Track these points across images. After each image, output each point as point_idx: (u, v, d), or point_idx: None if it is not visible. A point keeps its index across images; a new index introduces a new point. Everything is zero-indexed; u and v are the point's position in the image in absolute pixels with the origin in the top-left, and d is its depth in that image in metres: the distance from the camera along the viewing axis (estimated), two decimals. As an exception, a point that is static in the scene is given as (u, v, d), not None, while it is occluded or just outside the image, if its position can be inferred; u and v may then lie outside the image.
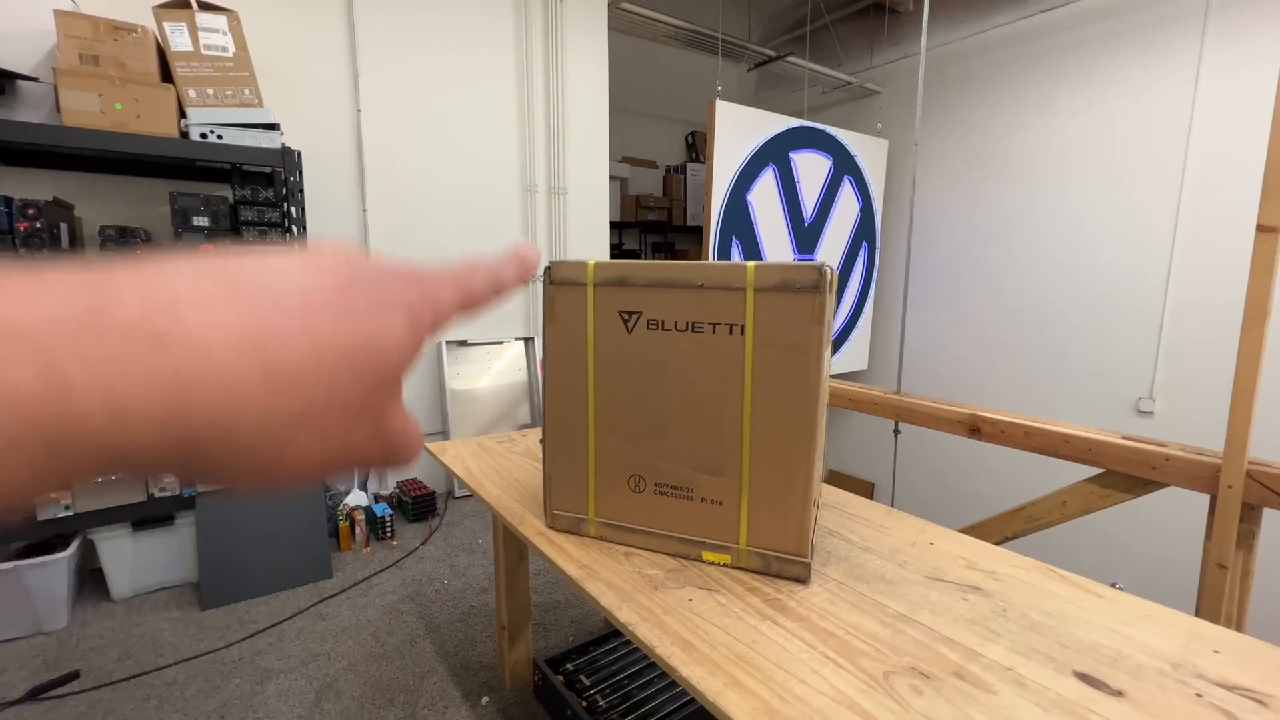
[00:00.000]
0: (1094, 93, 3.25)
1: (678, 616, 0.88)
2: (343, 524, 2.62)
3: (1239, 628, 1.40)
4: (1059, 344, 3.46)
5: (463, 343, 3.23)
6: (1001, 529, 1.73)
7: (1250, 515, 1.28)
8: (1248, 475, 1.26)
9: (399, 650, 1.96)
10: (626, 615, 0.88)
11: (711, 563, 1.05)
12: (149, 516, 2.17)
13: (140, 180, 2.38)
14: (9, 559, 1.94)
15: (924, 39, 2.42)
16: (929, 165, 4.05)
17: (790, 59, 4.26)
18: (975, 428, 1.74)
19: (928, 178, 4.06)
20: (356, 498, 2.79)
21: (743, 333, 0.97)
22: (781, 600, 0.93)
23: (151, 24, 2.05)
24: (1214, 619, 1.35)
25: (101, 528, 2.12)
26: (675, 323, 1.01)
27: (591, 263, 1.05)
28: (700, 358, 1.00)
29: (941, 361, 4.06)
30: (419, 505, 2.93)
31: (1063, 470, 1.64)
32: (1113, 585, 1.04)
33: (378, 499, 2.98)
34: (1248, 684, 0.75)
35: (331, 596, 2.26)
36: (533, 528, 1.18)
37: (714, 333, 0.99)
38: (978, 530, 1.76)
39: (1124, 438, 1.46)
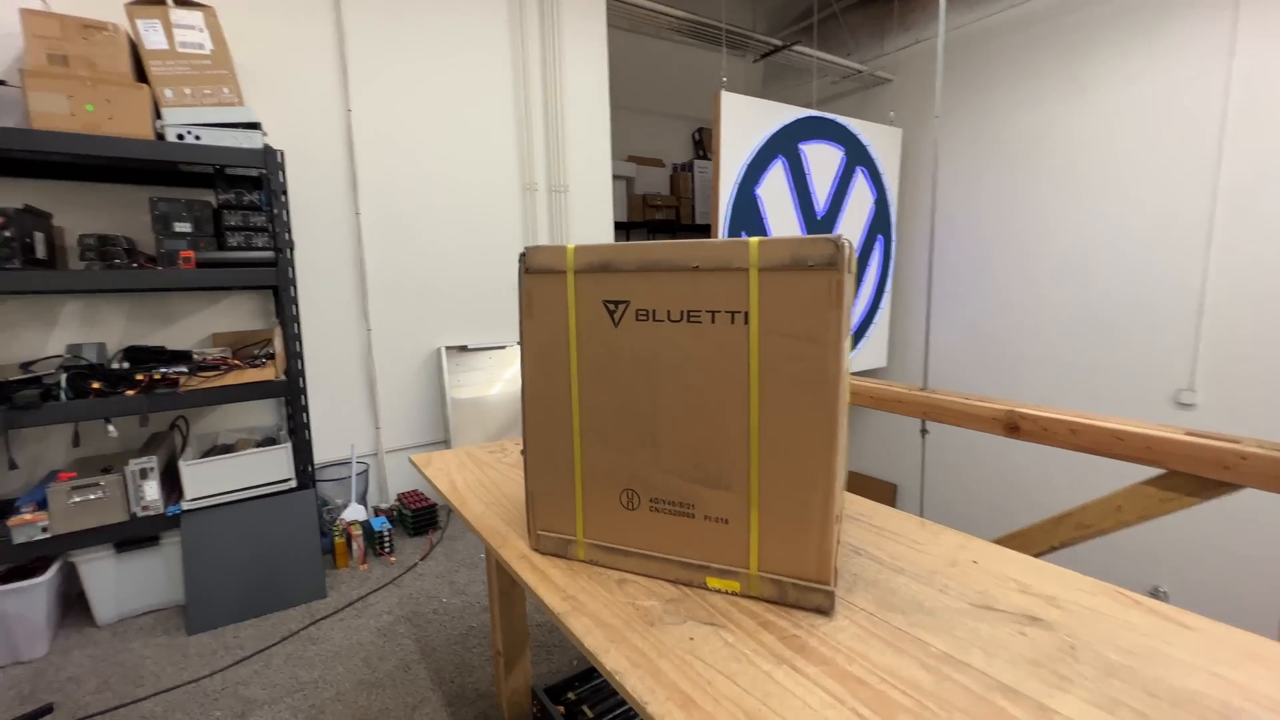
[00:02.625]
0: (1124, 69, 3.06)
1: (676, 661, 0.74)
2: (338, 540, 2.50)
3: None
4: (1091, 335, 3.26)
5: (463, 348, 3.12)
6: (1046, 538, 1.55)
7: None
8: (1343, 475, 1.08)
9: (391, 677, 1.83)
10: (614, 661, 0.74)
11: (718, 591, 0.90)
12: (132, 537, 2.07)
13: (121, 187, 2.29)
14: (-18, 585, 1.85)
15: (943, 12, 2.25)
16: (949, 152, 3.86)
17: (797, 48, 4.11)
18: (1013, 425, 1.57)
19: (948, 165, 3.87)
20: (354, 512, 2.67)
21: (746, 321, 0.82)
22: (801, 638, 0.78)
23: (124, 22, 1.97)
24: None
25: (82, 550, 2.02)
26: (668, 312, 0.87)
27: (571, 247, 0.92)
28: (697, 352, 0.86)
29: (965, 356, 3.86)
30: (419, 518, 2.81)
31: (1110, 471, 1.47)
32: (1154, 592, 0.88)
33: (377, 512, 2.87)
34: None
35: (324, 618, 2.14)
36: (515, 551, 1.04)
37: (713, 322, 0.84)
38: (1019, 539, 1.59)
39: (1188, 433, 1.29)
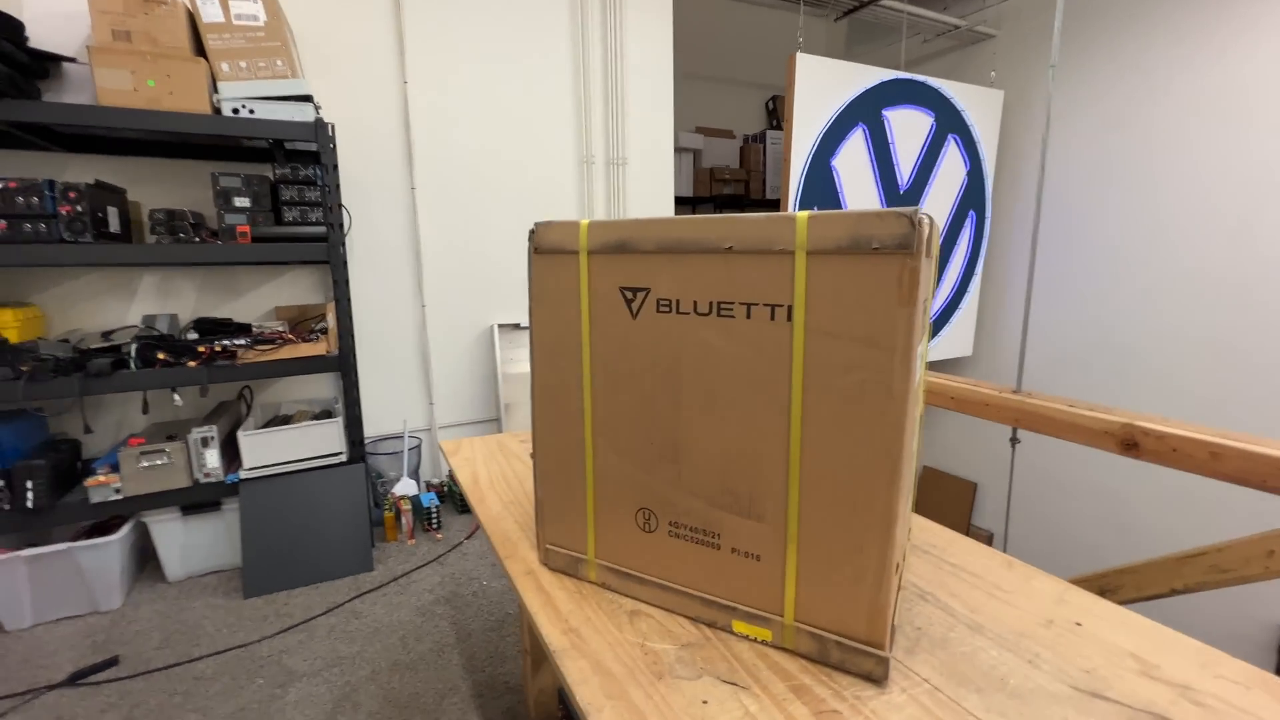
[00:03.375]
0: (1260, 17, 2.51)
1: (681, 733, 0.60)
2: (388, 514, 2.54)
3: None
4: (1228, 332, 2.76)
5: (516, 326, 3.07)
6: (1168, 578, 1.29)
7: None
8: None
9: (425, 660, 1.81)
10: (606, 726, 0.61)
11: (745, 637, 0.76)
12: (195, 502, 2.16)
13: (188, 163, 2.36)
14: (65, 540, 1.98)
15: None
16: (1063, 115, 3.38)
17: (884, 3, 3.70)
18: (1131, 442, 1.30)
19: (1061, 130, 3.39)
20: (405, 486, 2.70)
21: (789, 317, 0.66)
22: (842, 717, 0.63)
23: (184, -4, 1.98)
24: None
25: (152, 511, 2.13)
26: (694, 303, 0.72)
27: (585, 223, 0.78)
28: (729, 352, 0.70)
29: (1065, 355, 3.42)
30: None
31: (1248, 507, 1.19)
32: None
33: (428, 488, 2.90)
34: None
35: (369, 592, 2.17)
36: (522, 565, 0.93)
37: (748, 317, 0.68)
38: (1132, 576, 1.33)
39: (1383, 470, 1.00)
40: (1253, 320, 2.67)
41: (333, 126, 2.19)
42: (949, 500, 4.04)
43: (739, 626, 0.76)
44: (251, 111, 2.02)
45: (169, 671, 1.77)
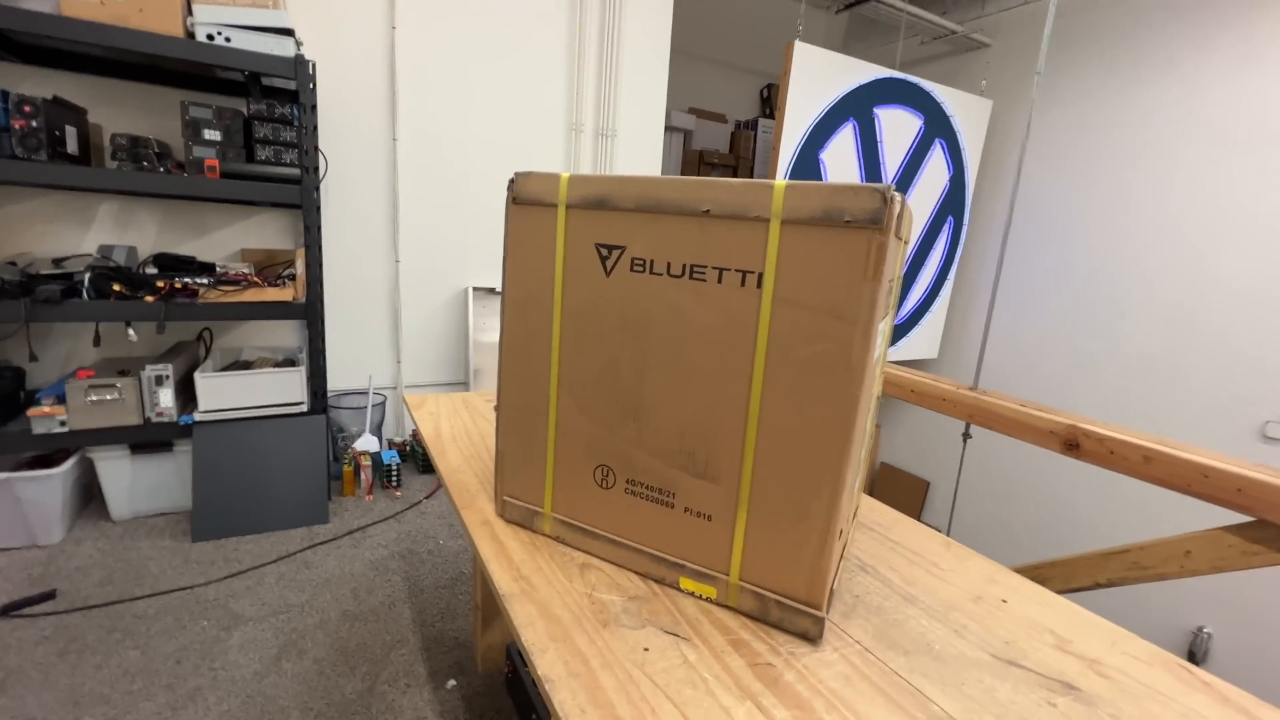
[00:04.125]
0: (1249, 60, 2.60)
1: (621, 675, 0.62)
2: (347, 468, 2.51)
3: None
4: (1175, 350, 2.90)
5: (491, 290, 3.03)
6: (1092, 572, 1.37)
7: None
8: None
9: (375, 612, 1.81)
10: (548, 665, 0.63)
11: (690, 594, 0.78)
12: (145, 440, 2.10)
13: (157, 88, 2.25)
14: (3, 470, 1.91)
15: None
16: (1044, 130, 3.46)
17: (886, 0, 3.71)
18: (1073, 443, 1.37)
19: (1040, 144, 3.47)
20: (366, 442, 2.67)
21: (759, 284, 0.67)
22: (776, 669, 0.66)
23: (162, -92, 1.87)
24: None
25: (99, 448, 2.07)
26: (668, 264, 0.72)
27: (565, 176, 0.77)
28: (697, 316, 0.71)
29: (1025, 357, 3.54)
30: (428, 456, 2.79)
31: (1184, 507, 1.26)
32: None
33: (390, 445, 2.87)
34: None
35: (322, 543, 2.15)
36: (478, 515, 0.94)
37: (719, 281, 0.69)
38: (1060, 569, 1.41)
39: (1294, 481, 1.07)
40: (1195, 341, 2.81)
41: (314, 65, 2.11)
42: (903, 495, 4.18)
43: (685, 583, 0.78)
44: (228, 40, 1.93)
45: (109, 609, 1.73)
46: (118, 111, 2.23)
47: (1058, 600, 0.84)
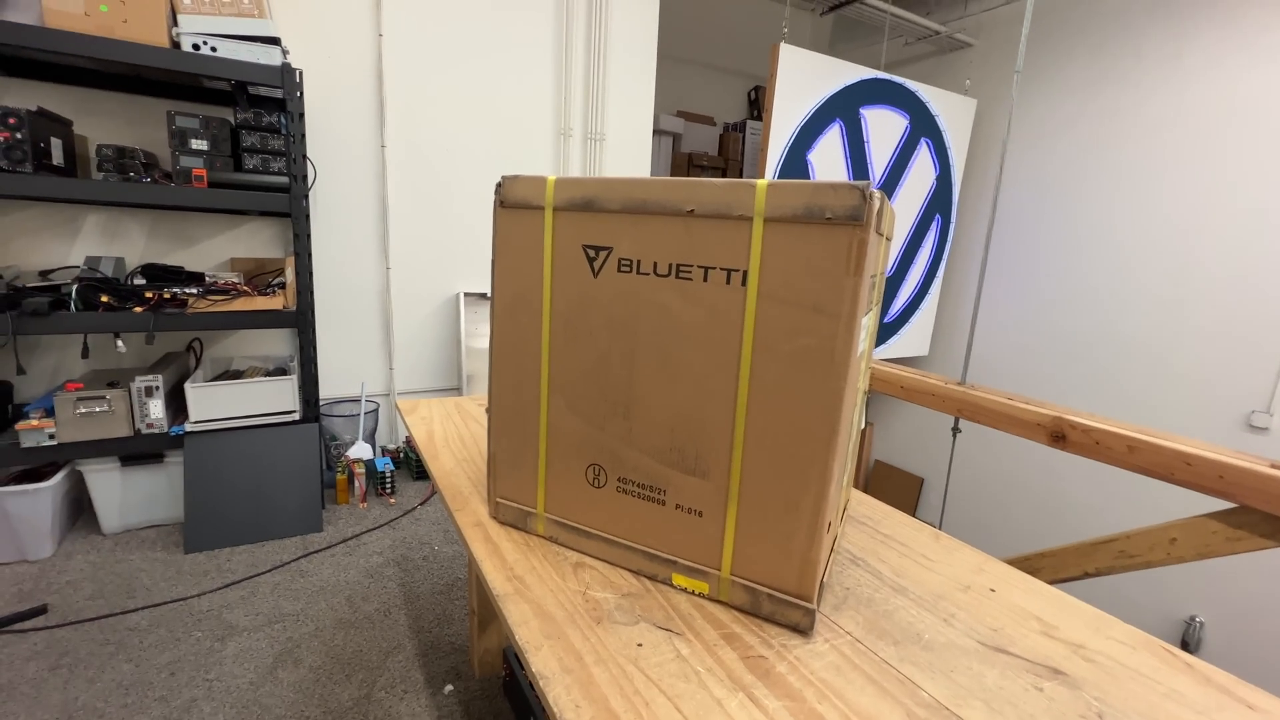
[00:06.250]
0: (1240, 57, 2.65)
1: (614, 671, 0.63)
2: (341, 476, 2.50)
3: None
4: (1159, 342, 2.94)
5: (482, 296, 3.04)
6: (1081, 562, 1.39)
7: None
8: None
9: (371, 619, 1.81)
10: (542, 663, 0.64)
11: (683, 590, 0.79)
12: (136, 452, 2.09)
13: (143, 99, 2.24)
14: (-8, 484, 1.90)
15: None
16: (1025, 130, 3.50)
17: (869, 1, 3.75)
18: (1060, 434, 1.39)
19: (1021, 145, 3.52)
20: (360, 450, 2.66)
21: (744, 282, 0.68)
22: (768, 661, 0.66)
23: (146, -82, 1.87)
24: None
25: (89, 460, 2.05)
26: (655, 264, 0.73)
27: (552, 179, 0.78)
28: (685, 314, 0.72)
29: (1015, 351, 3.57)
30: (421, 461, 2.79)
31: (1169, 495, 1.28)
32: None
33: (384, 453, 2.87)
34: None
35: (317, 552, 2.14)
36: (472, 516, 0.95)
37: (705, 280, 0.70)
38: (1050, 560, 1.43)
39: (1275, 465, 1.09)
40: (1181, 333, 2.85)
41: (301, 73, 2.11)
42: (897, 492, 4.20)
43: (678, 579, 0.79)
44: (214, 49, 1.93)
45: (101, 622, 1.72)
46: (103, 122, 2.22)
47: (1043, 588, 0.85)
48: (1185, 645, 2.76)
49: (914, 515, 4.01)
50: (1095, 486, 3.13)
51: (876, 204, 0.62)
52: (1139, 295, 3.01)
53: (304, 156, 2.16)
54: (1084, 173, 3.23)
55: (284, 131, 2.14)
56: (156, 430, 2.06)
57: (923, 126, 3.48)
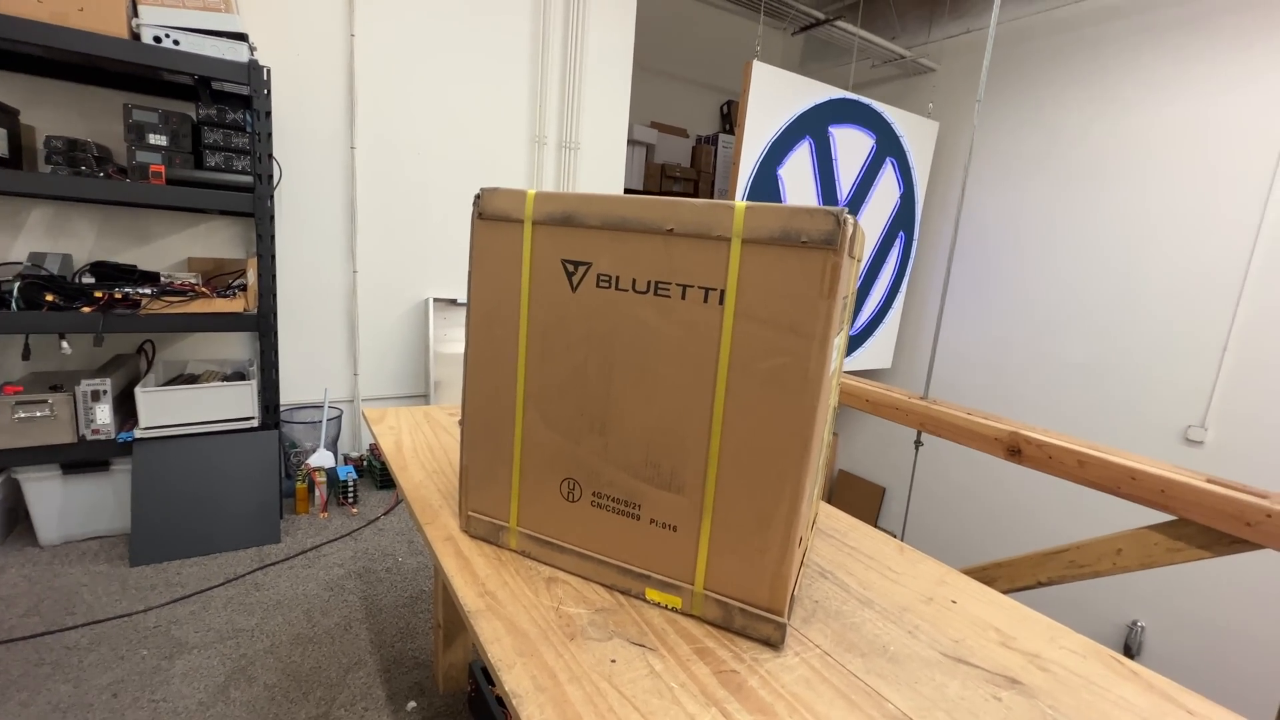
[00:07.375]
0: (1172, 87, 2.83)
1: (588, 688, 0.63)
2: (300, 485, 2.42)
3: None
4: (1104, 359, 3.10)
5: (452, 302, 3.00)
6: (1034, 571, 1.44)
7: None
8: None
9: (330, 634, 1.75)
10: (515, 681, 0.63)
11: (657, 605, 0.79)
12: (80, 460, 1.99)
13: (98, 90, 2.15)
14: (-83, 493, 1.78)
15: (996, 9, 2.04)
16: (982, 153, 3.65)
17: (839, 24, 3.86)
18: (1015, 449, 1.44)
19: (979, 167, 3.67)
20: (321, 458, 2.59)
21: (721, 301, 0.69)
22: (740, 676, 0.67)
23: (106, -95, 1.80)
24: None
25: (26, 468, 1.94)
26: (633, 281, 0.74)
27: (531, 193, 0.78)
28: (662, 331, 0.73)
29: (972, 367, 3.71)
30: (388, 471, 2.72)
31: (1118, 508, 1.35)
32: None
33: (346, 461, 2.79)
34: None
35: (273, 564, 2.07)
36: (442, 531, 0.93)
37: (683, 298, 0.71)
38: (1005, 570, 1.48)
39: (1210, 480, 1.16)
40: (1122, 351, 3.01)
41: (268, 70, 2.06)
42: (859, 501, 4.29)
43: (651, 594, 0.79)
44: (176, 43, 1.87)
45: (36, 640, 1.62)
46: (53, 112, 2.12)
47: (1001, 599, 0.89)
48: (1128, 649, 2.89)
49: (876, 524, 4.11)
50: (1047, 499, 3.26)
51: (850, 229, 0.64)
52: (1080, 317, 3.17)
53: (270, 155, 2.11)
54: (1031, 199, 3.39)
55: (249, 129, 2.08)
56: (103, 436, 1.97)
57: (888, 146, 3.59)
